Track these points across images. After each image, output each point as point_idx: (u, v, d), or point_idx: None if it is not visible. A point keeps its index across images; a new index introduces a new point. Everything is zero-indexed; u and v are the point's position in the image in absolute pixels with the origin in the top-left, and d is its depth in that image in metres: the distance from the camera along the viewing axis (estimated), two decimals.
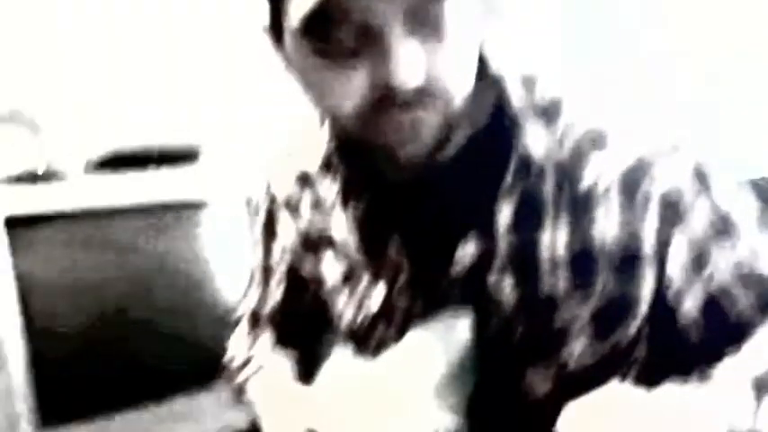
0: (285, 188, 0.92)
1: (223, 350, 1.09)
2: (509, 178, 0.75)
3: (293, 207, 0.92)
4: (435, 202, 0.78)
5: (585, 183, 0.74)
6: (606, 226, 0.73)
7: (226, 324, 1.13)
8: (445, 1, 0.64)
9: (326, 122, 0.86)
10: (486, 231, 0.76)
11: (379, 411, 0.83)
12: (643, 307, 0.75)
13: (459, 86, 0.68)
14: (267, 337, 1.04)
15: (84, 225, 1.86)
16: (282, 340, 1.03)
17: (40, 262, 1.80)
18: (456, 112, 0.69)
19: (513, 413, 0.78)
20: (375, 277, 0.84)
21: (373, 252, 0.83)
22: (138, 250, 1.93)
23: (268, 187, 0.96)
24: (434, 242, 0.79)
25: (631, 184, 0.73)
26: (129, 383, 1.85)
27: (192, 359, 1.90)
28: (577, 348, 0.76)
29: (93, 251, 1.87)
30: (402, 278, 0.81)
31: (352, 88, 0.65)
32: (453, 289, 0.78)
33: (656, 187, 0.73)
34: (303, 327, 1.02)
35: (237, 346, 1.07)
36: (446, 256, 0.78)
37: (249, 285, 1.06)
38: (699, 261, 0.73)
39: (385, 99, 0.65)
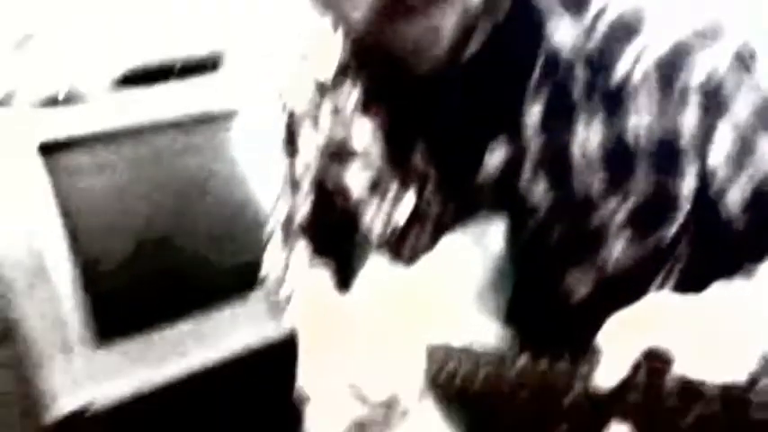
0: (303, 99, 0.89)
1: (261, 261, 1.10)
2: (536, 75, 0.71)
3: (313, 118, 0.89)
4: (459, 104, 0.75)
5: (618, 74, 0.69)
6: (642, 120, 0.69)
7: (264, 234, 1.13)
8: None
9: (339, 28, 0.82)
10: (515, 133, 0.73)
11: (418, 319, 0.82)
12: (684, 204, 0.72)
13: None
14: (302, 248, 1.04)
15: (115, 145, 1.86)
16: (317, 250, 1.02)
17: (76, 186, 1.81)
18: (473, 10, 0.66)
19: (552, 318, 0.76)
20: (403, 185, 0.82)
21: (398, 159, 0.81)
22: (172, 165, 1.93)
23: (284, 103, 0.93)
24: (461, 146, 0.76)
25: (669, 72, 0.68)
26: (171, 298, 1.88)
27: (231, 271, 1.93)
28: (617, 250, 0.73)
29: (128, 171, 1.88)
30: (430, 185, 0.79)
31: None
32: (484, 194, 0.76)
33: (695, 75, 0.68)
34: (335, 237, 1.01)
35: (273, 258, 1.06)
36: (474, 160, 0.75)
37: (278, 198, 1.05)
38: (744, 152, 0.69)
39: (395, 5, 0.62)
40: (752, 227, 0.70)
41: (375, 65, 0.78)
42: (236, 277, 1.87)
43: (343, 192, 0.91)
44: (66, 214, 1.77)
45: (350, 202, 0.90)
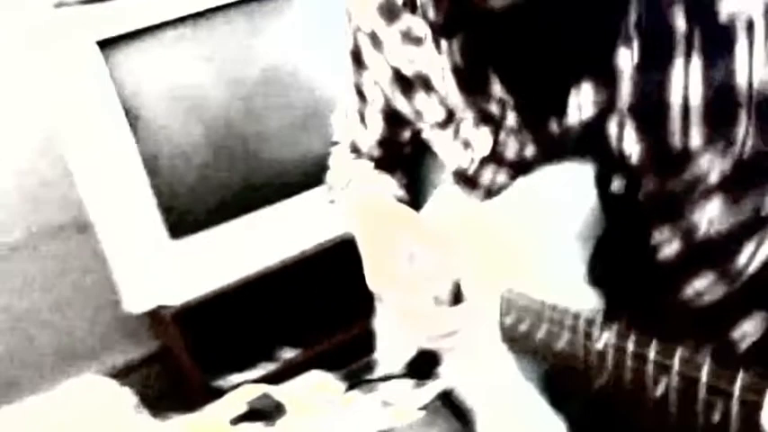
0: (367, 19, 0.82)
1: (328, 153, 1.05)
2: (633, 10, 0.62)
3: (378, 42, 0.82)
4: (542, 36, 0.67)
5: (724, 13, 0.61)
6: (749, 65, 0.61)
7: (331, 124, 1.08)
8: None
9: None
10: (605, 73, 0.65)
11: (494, 257, 0.78)
12: None
13: None
14: (368, 166, 0.99)
15: (176, 37, 1.80)
16: (387, 168, 0.98)
17: (138, 80, 1.78)
18: None
19: (637, 277, 0.71)
20: (479, 120, 0.76)
21: (475, 91, 0.74)
22: (233, 53, 1.87)
23: (350, 15, 0.86)
24: (542, 85, 0.69)
25: None
26: (241, 191, 1.88)
27: (297, 162, 1.90)
28: (710, 210, 0.67)
29: (188, 62, 1.83)
30: (509, 120, 0.73)
31: None
32: (567, 138, 0.70)
33: None
34: (407, 159, 0.96)
35: (340, 167, 1.02)
36: (557, 101, 0.68)
37: (346, 113, 0.99)
38: None
39: None
40: None
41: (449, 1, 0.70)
42: (308, 170, 1.84)
43: (413, 119, 0.85)
44: (130, 110, 1.75)
45: (422, 130, 0.85)
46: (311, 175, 1.84)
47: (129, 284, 1.82)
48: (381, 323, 1.02)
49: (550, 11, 0.64)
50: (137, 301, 1.83)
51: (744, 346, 0.71)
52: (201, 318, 1.83)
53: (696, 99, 0.63)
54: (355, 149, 1.00)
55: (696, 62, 0.63)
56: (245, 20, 1.85)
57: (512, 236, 0.77)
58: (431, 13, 0.74)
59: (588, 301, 0.68)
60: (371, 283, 0.83)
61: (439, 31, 0.74)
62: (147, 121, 1.76)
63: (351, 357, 1.68)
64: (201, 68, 1.83)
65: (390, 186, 0.94)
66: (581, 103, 0.67)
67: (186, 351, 1.83)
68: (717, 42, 0.62)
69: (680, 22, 0.62)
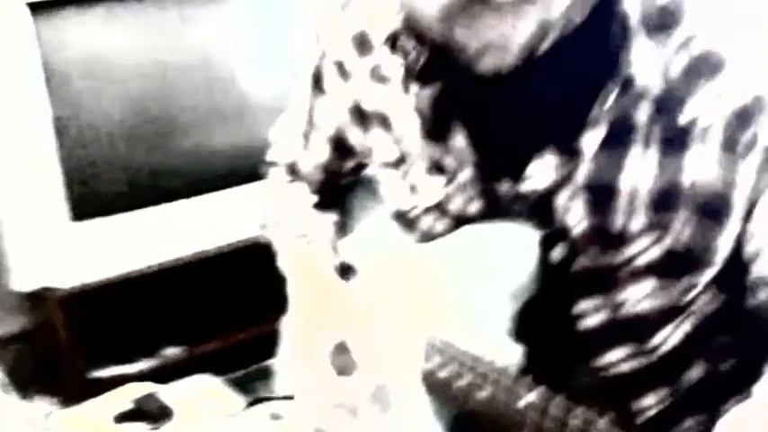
0: (337, 47, 0.83)
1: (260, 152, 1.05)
2: (606, 97, 0.66)
3: (344, 71, 0.83)
4: (518, 104, 0.70)
5: (686, 116, 0.65)
6: (699, 167, 0.66)
7: (259, 123, 1.07)
8: None
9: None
10: (569, 151, 0.69)
11: (422, 302, 0.80)
12: (716, 262, 0.70)
13: None
14: (304, 190, 0.99)
15: (106, 11, 1.75)
16: (322, 202, 0.98)
17: (64, 48, 1.71)
18: (553, 21, 0.61)
19: (558, 341, 0.75)
20: (433, 167, 0.78)
21: (436, 140, 0.77)
22: (162, 38, 1.83)
23: (318, 38, 0.87)
24: (507, 147, 0.72)
25: (738, 126, 0.65)
26: (153, 179, 1.83)
27: (217, 159, 1.88)
28: (640, 291, 0.72)
29: (116, 39, 1.78)
30: (464, 174, 0.75)
31: None
32: (518, 202, 0.73)
33: (764, 135, 0.64)
34: (344, 192, 0.97)
35: (275, 196, 1.02)
36: (517, 164, 0.72)
37: (287, 132, 1.00)
38: None
39: (479, 4, 0.58)
40: None
41: (434, 50, 0.72)
42: (234, 165, 1.81)
43: (364, 154, 0.86)
44: (50, 77, 1.68)
45: (370, 166, 0.86)
46: (230, 173, 1.83)
47: (18, 259, 1.74)
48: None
49: (531, 84, 0.67)
50: (24, 279, 1.75)
51: (642, 418, 0.76)
52: (88, 304, 1.77)
53: (644, 187, 0.68)
54: (293, 171, 1.00)
55: (652, 154, 0.67)
56: (178, 7, 1.82)
57: (443, 282, 0.79)
58: (411, 57, 0.75)
59: (510, 357, 0.71)
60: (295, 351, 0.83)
61: (414, 75, 0.75)
62: (64, 90, 1.70)
63: (239, 362, 1.67)
64: (128, 48, 1.79)
65: (327, 230, 0.95)
66: (540, 173, 0.71)
67: (67, 336, 1.77)
68: (673, 141, 0.66)
69: (644, 117, 0.66)
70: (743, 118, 0.64)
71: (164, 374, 1.32)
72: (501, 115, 0.71)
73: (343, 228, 0.98)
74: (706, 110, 0.65)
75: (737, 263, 0.69)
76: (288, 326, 1.01)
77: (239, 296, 1.87)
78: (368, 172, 0.89)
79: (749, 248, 0.68)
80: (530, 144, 0.70)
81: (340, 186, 0.97)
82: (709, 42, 0.65)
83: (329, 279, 0.87)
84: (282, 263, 0.94)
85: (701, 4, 0.66)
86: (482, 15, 0.59)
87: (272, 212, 1.00)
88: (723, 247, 0.69)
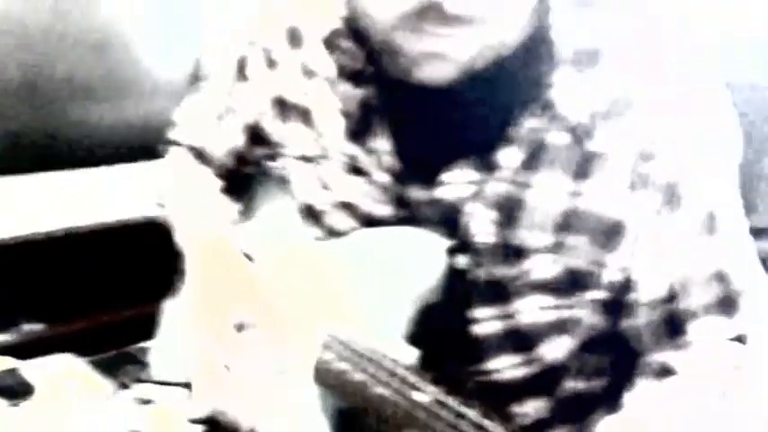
0: (270, 37, 0.83)
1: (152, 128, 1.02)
2: (526, 118, 0.70)
3: (273, 62, 0.83)
4: (441, 113, 0.72)
5: (595, 147, 0.70)
6: (600, 195, 0.71)
7: (158, 100, 1.04)
8: None
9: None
10: (486, 165, 0.72)
11: (322, 296, 0.81)
12: (603, 284, 0.75)
13: (512, 20, 0.65)
14: (209, 174, 0.98)
15: None
16: (226, 188, 0.97)
17: None
18: (494, 42, 0.65)
19: (453, 345, 0.78)
20: (350, 167, 0.79)
21: (358, 141, 0.78)
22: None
23: (251, 23, 0.87)
24: (427, 153, 0.74)
25: (638, 163, 0.70)
26: (32, 145, 1.74)
27: (107, 131, 1.81)
28: (532, 304, 0.76)
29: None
30: (380, 176, 0.77)
31: None
32: (430, 208, 0.75)
33: (658, 173, 0.70)
34: (250, 180, 0.97)
35: (178, 175, 0.99)
36: (433, 172, 0.74)
37: (196, 114, 0.98)
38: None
39: (434, 10, 0.60)
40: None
41: (371, 53, 0.73)
42: (124, 141, 1.74)
43: (277, 144, 0.86)
44: None
45: (283, 157, 0.86)
46: (118, 148, 1.76)
47: None
48: (176, 319, 1.00)
49: (459, 97, 0.69)
50: None
51: (522, 423, 0.80)
52: None
53: (549, 208, 0.72)
54: (200, 155, 0.98)
55: (560, 178, 0.71)
56: None
57: (343, 280, 0.80)
58: (346, 57, 0.76)
59: (407, 356, 0.73)
60: (193, 328, 0.82)
61: (346, 75, 0.76)
62: None
63: (108, 344, 1.61)
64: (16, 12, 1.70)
65: (230, 215, 0.94)
66: (454, 183, 0.73)
67: None
68: (580, 168, 0.71)
69: (557, 142, 0.71)
70: (644, 156, 0.70)
71: (29, 351, 1.26)
72: (425, 123, 0.73)
73: (247, 214, 0.97)
74: (613, 144, 0.70)
75: (621, 287, 0.75)
76: (175, 308, 1.00)
77: (110, 276, 1.80)
78: (280, 163, 0.88)
79: (632, 275, 0.74)
80: (449, 154, 0.73)
81: (246, 174, 0.97)
82: (622, 84, 0.70)
83: (234, 261, 0.86)
84: (182, 243, 0.92)
85: (619, 48, 0.71)
86: (433, 25, 0.61)
87: (173, 193, 0.98)
88: (611, 271, 0.74)
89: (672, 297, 0.74)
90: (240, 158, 0.94)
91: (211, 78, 0.96)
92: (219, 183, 0.97)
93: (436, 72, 0.64)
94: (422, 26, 0.62)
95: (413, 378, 0.68)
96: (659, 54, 0.72)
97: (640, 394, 0.72)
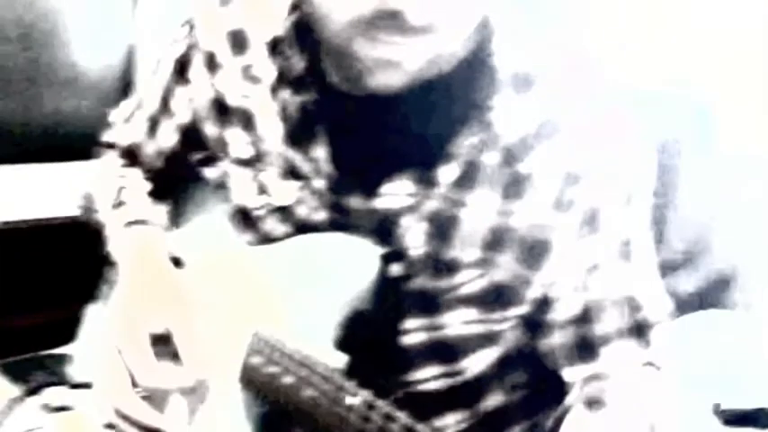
0: (212, 39, 0.83)
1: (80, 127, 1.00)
2: (466, 136, 0.73)
3: (214, 64, 0.83)
4: (384, 124, 0.74)
5: (526, 169, 0.73)
6: (529, 215, 0.74)
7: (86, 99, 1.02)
8: None
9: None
10: (425, 179, 0.74)
11: (251, 301, 0.81)
12: (525, 302, 0.78)
13: (460, 30, 0.66)
14: (138, 176, 0.97)
15: None
16: (155, 191, 0.97)
17: None
18: (445, 54, 0.66)
19: (381, 353, 0.79)
20: (288, 172, 0.80)
21: (297, 146, 0.79)
22: None
23: (191, 27, 0.86)
24: (366, 164, 0.76)
25: (566, 186, 0.74)
26: None
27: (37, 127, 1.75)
28: (459, 317, 0.78)
29: None
30: (318, 183, 0.78)
31: None
32: (367, 217, 0.76)
33: (581, 197, 0.74)
34: (183, 184, 0.96)
35: (108, 179, 0.98)
36: (372, 182, 0.75)
37: (130, 116, 0.97)
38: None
39: (393, 19, 0.61)
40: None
41: (315, 60, 0.75)
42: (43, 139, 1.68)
43: (214, 147, 0.86)
44: None
45: (221, 159, 0.86)
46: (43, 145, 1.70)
47: None
48: (99, 325, 0.98)
49: (402, 110, 0.71)
50: None
51: None
52: None
53: (481, 225, 0.74)
54: (131, 157, 0.97)
55: (493, 197, 0.74)
56: None
57: (273, 286, 0.81)
58: (289, 63, 0.77)
59: (337, 360, 0.74)
60: (117, 331, 0.81)
61: (288, 81, 0.77)
62: None
63: (14, 349, 1.55)
64: None
65: (160, 219, 0.93)
66: (392, 194, 0.75)
67: None
68: (512, 188, 0.74)
69: (493, 162, 0.73)
70: (569, 179, 0.73)
71: None
72: (366, 134, 0.75)
73: (176, 218, 0.96)
74: (541, 166, 0.73)
75: (542, 304, 0.78)
76: (99, 313, 0.98)
77: (24, 278, 1.73)
78: (216, 167, 0.88)
79: (552, 293, 0.77)
80: (388, 166, 0.74)
81: (177, 177, 0.96)
82: (551, 110, 0.73)
83: (161, 266, 0.86)
84: (112, 245, 0.91)
85: (550, 76, 0.74)
86: (389, 33, 0.62)
87: (102, 194, 0.97)
88: (535, 288, 0.77)
89: (585, 318, 0.77)
90: (171, 160, 0.94)
91: (147, 79, 0.95)
92: (148, 185, 0.96)
93: (388, 79, 0.65)
94: (378, 33, 0.62)
95: (343, 381, 0.69)
96: (584, 84, 0.76)
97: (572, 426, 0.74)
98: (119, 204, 0.93)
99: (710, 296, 1.62)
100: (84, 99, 1.69)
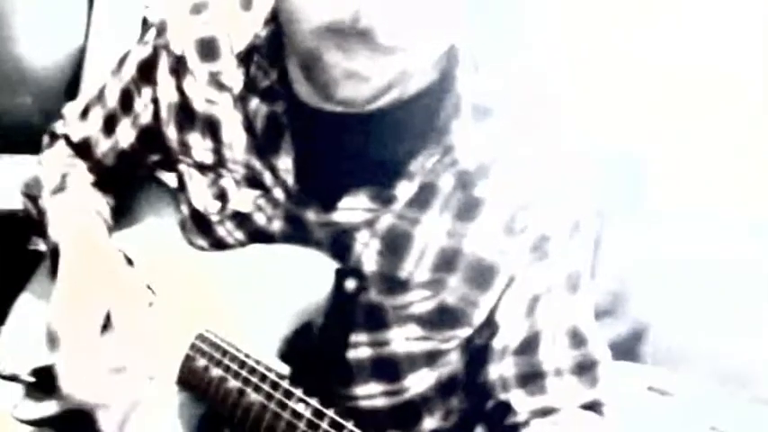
0: (181, 44, 0.84)
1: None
2: (426, 157, 0.74)
3: (183, 68, 0.83)
4: (348, 139, 0.76)
5: (479, 193, 0.76)
6: (480, 239, 0.76)
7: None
8: None
9: (255, 7, 0.80)
10: (383, 195, 0.75)
11: (198, 305, 0.81)
12: (472, 324, 0.80)
13: (431, 49, 0.67)
14: (82, 168, 0.96)
15: None
16: (104, 185, 0.96)
17: None
18: (411, 72, 0.67)
19: (326, 366, 0.80)
20: (248, 180, 0.80)
21: (261, 156, 0.79)
22: None
23: (162, 29, 0.86)
24: (327, 177, 0.77)
25: (516, 212, 0.76)
26: None
27: None
28: (405, 335, 0.79)
29: None
30: (275, 194, 0.79)
31: (344, 3, 0.60)
32: (323, 230, 0.77)
33: (534, 226, 0.77)
34: (136, 182, 0.96)
35: (54, 165, 0.97)
36: (331, 195, 0.76)
37: (85, 110, 0.96)
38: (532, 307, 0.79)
39: (363, 34, 0.61)
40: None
41: (284, 71, 0.76)
42: None
43: (174, 149, 0.86)
44: None
45: (180, 162, 0.86)
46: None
47: None
48: (30, 310, 0.96)
49: (367, 127, 0.73)
50: None
51: None
52: None
53: (433, 246, 0.76)
54: (81, 150, 0.96)
55: (446, 219, 0.76)
56: None
57: (225, 290, 0.81)
58: (259, 72, 0.78)
59: (283, 368, 0.74)
60: (54, 316, 0.80)
61: (257, 90, 0.78)
62: None
63: None
64: None
65: (103, 209, 0.92)
66: (350, 209, 0.76)
67: None
68: (465, 212, 0.76)
69: (448, 185, 0.76)
70: (521, 207, 0.76)
71: None
72: (329, 148, 0.76)
73: (126, 217, 0.95)
74: (495, 192, 0.76)
75: (486, 329, 0.80)
76: (29, 301, 0.96)
77: None
78: (173, 170, 0.88)
79: (496, 318, 0.79)
80: (348, 181, 0.76)
81: (127, 175, 0.96)
82: (507, 140, 0.76)
83: (102, 249, 0.86)
84: (52, 230, 0.89)
85: (507, 108, 0.78)
86: (360, 45, 0.62)
87: (46, 180, 0.95)
88: (481, 312, 0.79)
89: (530, 346, 0.79)
90: (125, 158, 0.93)
91: (107, 77, 0.94)
92: (91, 177, 0.96)
93: (355, 92, 0.65)
94: (349, 45, 0.62)
95: (292, 388, 0.69)
96: (538, 117, 0.79)
97: None
98: (60, 189, 0.92)
99: (625, 347, 1.68)
100: (28, 95, 1.65)
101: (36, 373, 0.86)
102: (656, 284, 1.65)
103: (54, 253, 0.87)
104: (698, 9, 1.65)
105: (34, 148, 1.04)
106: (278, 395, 0.69)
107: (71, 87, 1.67)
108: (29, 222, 1.01)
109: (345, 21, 0.61)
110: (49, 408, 0.86)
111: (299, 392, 0.69)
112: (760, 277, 1.57)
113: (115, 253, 0.87)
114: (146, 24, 1.72)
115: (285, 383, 0.70)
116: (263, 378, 0.71)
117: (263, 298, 0.79)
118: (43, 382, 0.86)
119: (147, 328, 0.81)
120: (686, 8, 1.66)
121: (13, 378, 0.88)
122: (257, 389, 0.71)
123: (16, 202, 1.03)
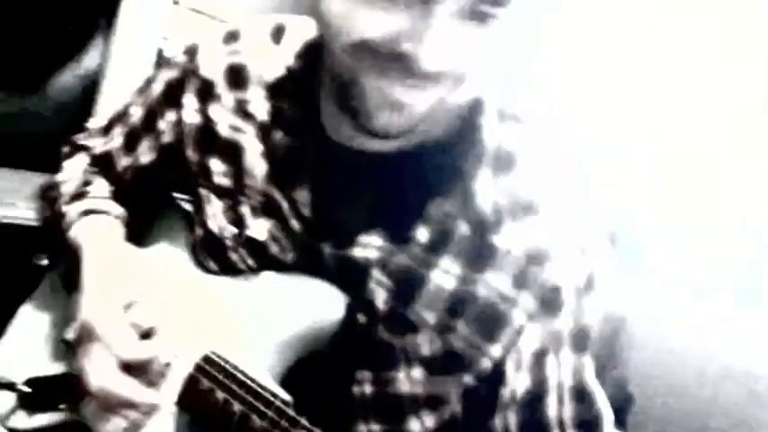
0: (212, 69, 0.85)
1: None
2: (444, 205, 0.76)
3: (212, 93, 0.85)
4: (366, 179, 0.77)
5: (495, 242, 0.76)
6: (491, 286, 0.77)
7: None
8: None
9: (285, 41, 0.82)
10: (395, 237, 0.76)
11: (203, 326, 0.81)
12: (481, 369, 0.79)
13: (470, 81, 0.67)
14: (103, 184, 0.97)
15: None
16: (120, 199, 0.96)
17: None
18: (449, 106, 0.68)
19: (330, 394, 0.80)
20: (265, 209, 0.81)
21: (281, 187, 0.80)
22: None
23: (192, 53, 0.87)
24: (345, 213, 0.78)
25: (529, 263, 0.76)
26: None
27: None
28: (412, 376, 0.79)
29: None
30: (292, 225, 0.80)
31: (385, 23, 0.62)
32: (337, 264, 0.78)
33: (548, 279, 0.77)
34: (151, 201, 0.97)
35: (75, 173, 0.98)
36: (348, 232, 0.77)
37: (108, 125, 0.97)
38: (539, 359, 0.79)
39: (404, 61, 0.62)
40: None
41: (322, 105, 0.77)
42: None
43: (194, 171, 0.87)
44: None
45: (201, 183, 0.87)
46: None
47: None
48: (30, 322, 0.96)
49: (390, 169, 0.75)
50: None
51: None
52: None
53: (445, 289, 0.77)
54: (100, 164, 0.97)
55: (459, 264, 0.76)
56: None
57: (235, 316, 0.81)
58: (287, 108, 0.80)
59: (288, 396, 0.74)
60: (84, 309, 0.81)
61: (282, 123, 0.80)
62: None
63: None
64: None
65: (120, 216, 0.93)
66: (366, 247, 0.77)
67: None
68: (478, 259, 0.76)
69: (464, 232, 0.76)
70: (534, 259, 0.76)
71: None
72: (349, 186, 0.77)
73: (141, 237, 0.96)
74: (510, 242, 0.76)
75: (492, 377, 0.80)
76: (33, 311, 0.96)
77: None
78: (192, 192, 0.90)
79: (503, 368, 0.79)
80: (366, 218, 0.77)
81: (144, 193, 0.97)
82: (528, 191, 0.77)
83: (123, 246, 0.87)
84: (73, 233, 0.90)
85: (530, 158, 0.78)
86: (397, 69, 0.63)
87: (66, 186, 0.96)
88: (487, 360, 0.79)
89: (534, 400, 0.78)
90: (144, 176, 0.94)
91: (133, 96, 0.96)
92: (109, 188, 0.96)
93: (390, 120, 0.65)
94: (385, 66, 0.62)
95: (296, 416, 0.69)
96: (561, 171, 0.79)
97: None
98: (81, 195, 0.93)
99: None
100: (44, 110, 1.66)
101: (31, 383, 0.86)
102: (644, 354, 1.65)
103: (73, 255, 0.87)
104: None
105: (44, 165, 1.05)
106: (283, 422, 0.69)
107: (85, 107, 1.69)
108: (36, 235, 1.02)
109: (380, 41, 0.62)
110: (42, 419, 0.86)
111: (303, 421, 0.69)
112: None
113: (137, 253, 0.88)
114: (161, 56, 1.75)
115: (290, 411, 0.70)
116: (268, 404, 0.71)
117: (271, 323, 0.79)
118: (38, 393, 0.86)
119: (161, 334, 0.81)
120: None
121: (8, 387, 0.87)
122: (262, 415, 0.71)
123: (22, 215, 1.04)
